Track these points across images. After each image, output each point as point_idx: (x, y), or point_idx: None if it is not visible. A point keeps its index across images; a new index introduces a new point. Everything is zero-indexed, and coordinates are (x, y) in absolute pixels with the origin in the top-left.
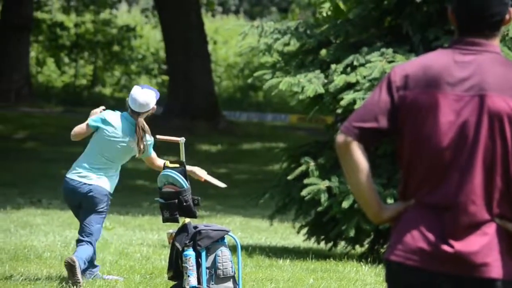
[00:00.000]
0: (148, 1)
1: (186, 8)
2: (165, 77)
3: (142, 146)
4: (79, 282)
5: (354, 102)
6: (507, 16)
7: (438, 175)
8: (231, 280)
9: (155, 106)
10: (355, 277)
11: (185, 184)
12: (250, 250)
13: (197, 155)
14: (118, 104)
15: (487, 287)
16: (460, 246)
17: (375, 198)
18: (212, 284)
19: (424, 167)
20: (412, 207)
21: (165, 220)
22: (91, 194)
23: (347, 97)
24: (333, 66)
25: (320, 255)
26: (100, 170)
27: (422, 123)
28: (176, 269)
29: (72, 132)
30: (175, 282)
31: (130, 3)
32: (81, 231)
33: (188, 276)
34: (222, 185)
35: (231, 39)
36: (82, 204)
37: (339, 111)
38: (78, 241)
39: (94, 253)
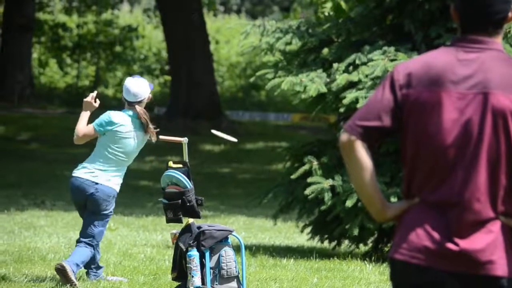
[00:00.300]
0: (150, 1)
1: (187, 8)
2: (167, 77)
3: (152, 131)
4: (75, 284)
5: (356, 100)
6: (510, 14)
7: (442, 173)
8: (235, 280)
9: (151, 95)
10: (359, 276)
11: (189, 184)
12: (254, 249)
13: (200, 155)
14: (121, 104)
15: (492, 285)
16: (465, 244)
17: (379, 197)
18: (216, 284)
19: (428, 166)
20: (416, 206)
21: (168, 220)
22: (97, 194)
23: (350, 96)
24: (335, 65)
25: (324, 254)
26: (110, 170)
27: (425, 122)
28: (180, 270)
29: (77, 137)
30: (179, 283)
31: (132, 3)
32: (82, 232)
33: (192, 276)
34: (232, 139)
35: (233, 38)
36: (87, 204)
37: (341, 110)
38: (77, 241)
39: (99, 253)
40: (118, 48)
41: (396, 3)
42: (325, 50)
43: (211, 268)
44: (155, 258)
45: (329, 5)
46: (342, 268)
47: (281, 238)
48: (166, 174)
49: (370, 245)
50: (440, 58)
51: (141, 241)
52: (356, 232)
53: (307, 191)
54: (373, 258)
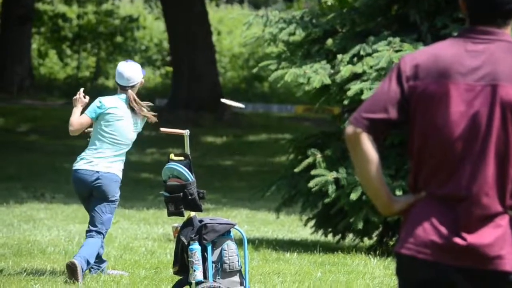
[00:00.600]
0: None
1: None
2: (169, 68)
3: (147, 114)
4: (79, 283)
5: (361, 92)
6: None
7: (449, 166)
8: (238, 274)
9: (143, 80)
10: (364, 270)
11: (190, 177)
12: (257, 243)
13: (202, 147)
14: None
15: (500, 280)
16: (473, 238)
17: (385, 190)
18: (219, 278)
19: (435, 159)
20: (423, 200)
21: (170, 213)
22: (100, 182)
23: (354, 87)
24: (339, 56)
25: (328, 248)
26: (108, 156)
27: (433, 114)
28: (181, 264)
29: (72, 127)
30: (181, 277)
31: None
32: (92, 221)
33: (194, 270)
34: (240, 105)
35: (235, 29)
36: (93, 193)
37: (346, 102)
38: (88, 232)
39: (102, 247)
40: (118, 39)
41: None
42: (329, 41)
43: (213, 262)
44: (156, 251)
45: None
46: (346, 262)
47: (284, 231)
48: (168, 167)
49: (374, 239)
50: (448, 50)
51: (142, 235)
52: (360, 225)
53: (311, 184)
54: (377, 252)
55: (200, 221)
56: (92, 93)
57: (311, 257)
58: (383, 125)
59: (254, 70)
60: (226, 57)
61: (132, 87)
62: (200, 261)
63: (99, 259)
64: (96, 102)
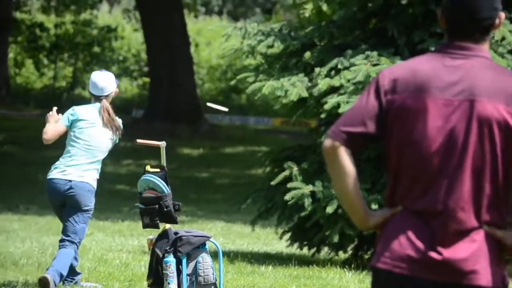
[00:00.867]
0: (130, 1)
1: (168, 9)
2: (146, 79)
3: (114, 128)
4: None
5: (338, 106)
6: (497, 21)
7: (426, 181)
8: (212, 287)
9: (117, 90)
10: (339, 284)
11: (166, 189)
12: (232, 256)
13: (178, 159)
14: None
15: None
16: (448, 253)
17: (362, 204)
18: None
19: (412, 173)
20: (399, 214)
21: (145, 226)
22: (73, 191)
23: (331, 101)
24: (317, 69)
25: (303, 261)
26: (81, 164)
27: (410, 128)
28: (156, 276)
29: (46, 135)
30: None
31: (111, 3)
32: (64, 231)
33: (169, 283)
34: (224, 109)
35: (214, 40)
36: (66, 203)
37: (323, 115)
38: (61, 241)
39: (77, 259)
40: (96, 49)
41: (379, 6)
42: (307, 54)
43: (187, 274)
44: (131, 264)
45: (309, 6)
46: (321, 276)
47: (259, 244)
48: (143, 179)
49: (350, 252)
50: (426, 64)
51: (116, 247)
52: (336, 239)
53: (287, 197)
54: (352, 265)
55: (175, 233)
56: (69, 104)
57: (286, 270)
58: (361, 138)
59: (232, 82)
60: (204, 68)
61: (106, 96)
62: (175, 274)
63: (73, 271)
64: (70, 110)
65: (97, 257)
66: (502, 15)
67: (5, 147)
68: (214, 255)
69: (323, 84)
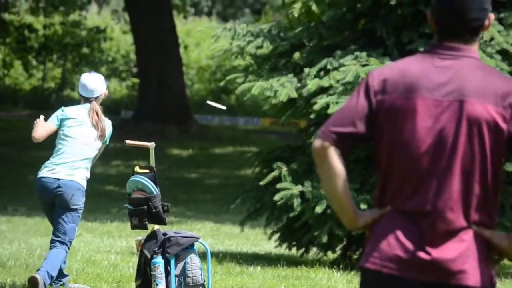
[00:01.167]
0: (119, 2)
1: (157, 10)
2: (135, 80)
3: (100, 129)
4: None
5: (327, 106)
6: (486, 22)
7: (416, 181)
8: None
9: (107, 91)
10: (327, 284)
11: (155, 190)
12: (221, 257)
13: (168, 160)
14: None
15: None
16: (437, 253)
17: (351, 204)
18: None
19: (402, 173)
20: (388, 214)
21: (133, 227)
22: (61, 190)
23: (320, 101)
24: (306, 70)
25: (291, 262)
26: (70, 163)
27: (400, 128)
28: (144, 277)
29: (35, 134)
30: None
31: (100, 4)
32: (54, 231)
33: (157, 284)
34: (222, 107)
35: (203, 41)
36: (55, 202)
37: (312, 115)
38: (51, 242)
39: (64, 262)
40: (85, 50)
41: (368, 7)
42: (297, 55)
43: (176, 275)
44: (119, 265)
45: (298, 5)
46: (310, 276)
47: (248, 245)
48: (132, 180)
49: (338, 252)
50: (416, 65)
51: (105, 248)
52: (325, 239)
53: (276, 197)
54: (341, 266)
55: (164, 234)
56: (58, 105)
57: (274, 271)
58: (350, 139)
59: (221, 83)
60: (193, 69)
61: (95, 98)
62: (163, 275)
63: (60, 273)
64: (59, 110)
65: (85, 258)
66: (492, 16)
67: None
68: (203, 255)
69: (312, 84)
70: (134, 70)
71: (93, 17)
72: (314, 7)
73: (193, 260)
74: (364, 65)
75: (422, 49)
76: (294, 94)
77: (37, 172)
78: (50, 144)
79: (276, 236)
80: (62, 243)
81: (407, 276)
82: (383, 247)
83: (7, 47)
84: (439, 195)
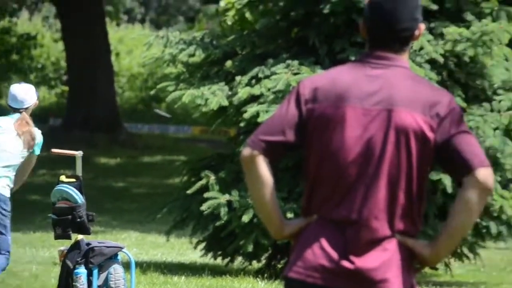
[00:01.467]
0: (51, 9)
1: (89, 17)
2: (65, 88)
3: (28, 138)
4: None
5: (257, 114)
6: (416, 32)
7: (343, 190)
8: None
9: (37, 101)
10: None
11: (80, 199)
12: (145, 266)
13: (95, 169)
14: None
15: None
16: (360, 262)
17: (278, 214)
18: None
19: (330, 183)
20: (314, 223)
21: (57, 237)
22: None
23: (251, 109)
24: (237, 78)
25: (216, 271)
26: None
27: (329, 137)
28: None
29: None
30: None
31: (31, 10)
32: None
33: None
34: (167, 115)
35: (135, 48)
36: None
37: (242, 124)
38: None
39: None
40: (14, 57)
41: (301, 15)
42: (229, 63)
43: (98, 286)
44: (41, 276)
45: (231, 13)
46: (234, 286)
47: (173, 254)
48: (57, 189)
49: (263, 262)
50: (347, 74)
51: (26, 258)
52: (250, 248)
53: (203, 207)
54: (265, 275)
55: (88, 244)
56: None
57: (199, 280)
58: (280, 147)
59: (152, 92)
60: (124, 77)
61: (25, 109)
62: (85, 286)
63: None
64: None
65: (6, 269)
66: (422, 26)
67: None
68: (127, 266)
69: (243, 92)
70: (64, 77)
71: (24, 23)
72: (247, 15)
73: (116, 270)
74: (295, 74)
75: (353, 58)
76: (225, 102)
77: None
78: None
79: (202, 245)
80: None
81: (331, 285)
82: (308, 256)
83: None
84: (365, 204)
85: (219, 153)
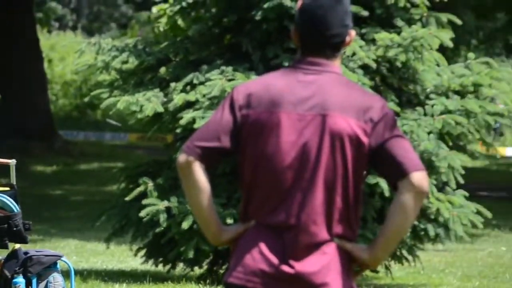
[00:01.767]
0: None
1: (20, 24)
2: None
3: None
4: None
5: (193, 121)
6: (347, 38)
7: (280, 195)
8: None
9: None
10: None
11: (16, 208)
12: (85, 274)
13: (31, 177)
14: None
15: None
16: (300, 266)
17: (215, 220)
18: None
19: (266, 187)
20: (252, 228)
21: None
22: None
23: (187, 116)
24: (172, 84)
25: (158, 278)
26: None
27: (264, 143)
28: None
29: None
30: None
31: None
32: None
33: None
34: (118, 124)
35: (68, 56)
36: None
37: (178, 130)
38: None
39: None
40: None
41: (234, 22)
42: (163, 69)
43: None
44: None
45: (164, 20)
46: None
47: (114, 262)
48: None
49: (205, 267)
50: (280, 80)
51: None
52: (191, 254)
53: (142, 213)
54: (207, 281)
55: (25, 253)
56: None
57: (140, 287)
58: (215, 153)
59: (86, 99)
60: (58, 84)
61: None
62: None
63: None
64: None
65: None
66: (353, 32)
67: None
68: (67, 274)
69: (178, 99)
70: None
71: None
72: (180, 22)
73: (55, 279)
74: (230, 80)
75: (286, 64)
76: (160, 109)
77: None
78: None
79: (142, 252)
80: None
81: None
82: (247, 261)
83: None
84: (302, 208)
85: (157, 160)
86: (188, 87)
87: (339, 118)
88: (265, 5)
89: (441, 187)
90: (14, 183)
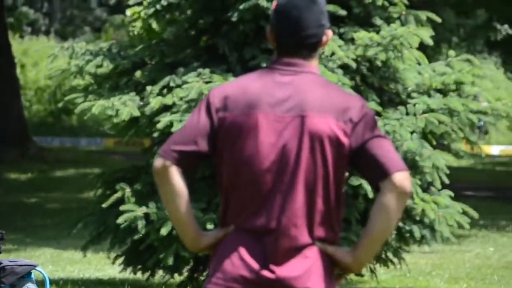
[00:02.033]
0: None
1: None
2: None
3: None
4: None
5: (171, 124)
6: (324, 38)
7: (259, 198)
8: None
9: None
10: None
11: None
12: (62, 284)
13: (5, 184)
14: None
15: None
16: (281, 271)
17: (193, 225)
18: None
19: (245, 191)
20: (232, 233)
21: None
22: None
23: (164, 119)
24: (148, 88)
25: (137, 286)
26: None
27: (242, 146)
28: None
29: None
30: None
31: None
32: None
33: None
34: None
35: (41, 61)
36: None
37: (155, 134)
38: None
39: None
40: None
41: (210, 24)
42: (138, 73)
43: None
44: None
45: (138, 24)
46: None
47: (91, 270)
48: None
49: (185, 274)
50: (257, 81)
51: None
52: (171, 261)
53: (120, 220)
54: None
55: None
56: None
57: None
58: (193, 157)
59: (60, 104)
60: (31, 90)
61: None
62: None
63: None
64: None
65: None
66: (330, 32)
67: None
68: (42, 284)
69: (155, 102)
70: None
71: None
72: (154, 25)
73: None
74: (207, 82)
75: (264, 65)
76: (137, 113)
77: None
78: None
79: (121, 260)
80: None
81: None
82: (227, 267)
83: None
84: (283, 212)
85: (134, 165)
86: (165, 90)
87: (318, 118)
88: (241, 6)
89: (426, 187)
90: None
